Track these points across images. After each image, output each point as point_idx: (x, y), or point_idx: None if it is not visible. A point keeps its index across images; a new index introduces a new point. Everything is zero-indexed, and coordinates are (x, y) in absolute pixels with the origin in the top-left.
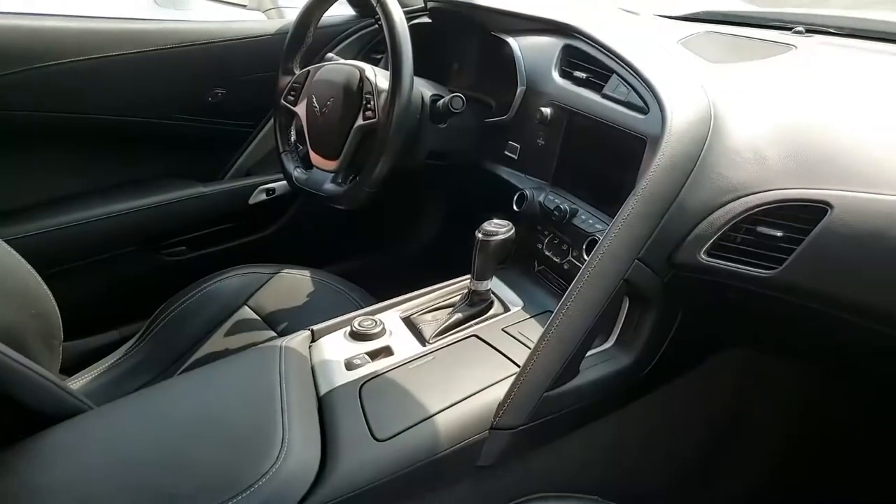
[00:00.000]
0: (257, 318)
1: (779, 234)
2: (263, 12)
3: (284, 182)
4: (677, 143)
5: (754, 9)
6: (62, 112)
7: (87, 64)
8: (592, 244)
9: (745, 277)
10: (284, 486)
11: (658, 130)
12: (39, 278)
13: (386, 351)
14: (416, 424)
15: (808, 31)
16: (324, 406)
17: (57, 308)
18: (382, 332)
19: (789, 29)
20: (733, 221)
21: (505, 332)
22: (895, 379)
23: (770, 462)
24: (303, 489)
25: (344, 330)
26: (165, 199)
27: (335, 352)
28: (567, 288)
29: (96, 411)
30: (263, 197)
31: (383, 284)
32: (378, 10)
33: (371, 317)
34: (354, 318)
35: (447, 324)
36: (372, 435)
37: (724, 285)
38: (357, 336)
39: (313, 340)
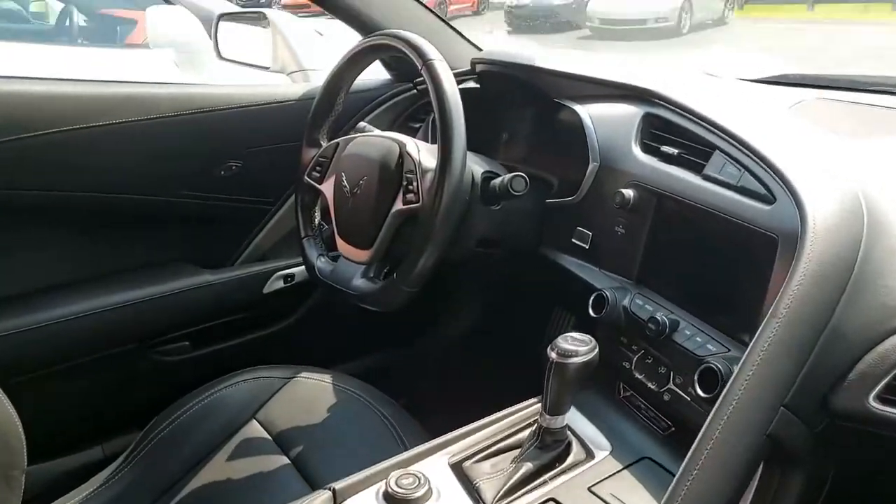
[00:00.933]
0: (268, 437)
1: None
2: (287, 75)
3: None
4: (825, 244)
5: (857, 72)
6: (47, 189)
7: (79, 134)
8: (709, 375)
9: None
10: None
11: (793, 226)
12: None
13: None
14: None
15: None
16: None
17: (20, 429)
18: (428, 495)
19: None
20: None
21: (593, 493)
22: None
23: None
24: None
25: (376, 488)
26: (166, 289)
27: None
28: (668, 425)
29: None
30: (281, 284)
31: (417, 387)
32: (424, 73)
33: (411, 471)
34: (389, 470)
35: (514, 480)
36: None
37: None
38: (395, 501)
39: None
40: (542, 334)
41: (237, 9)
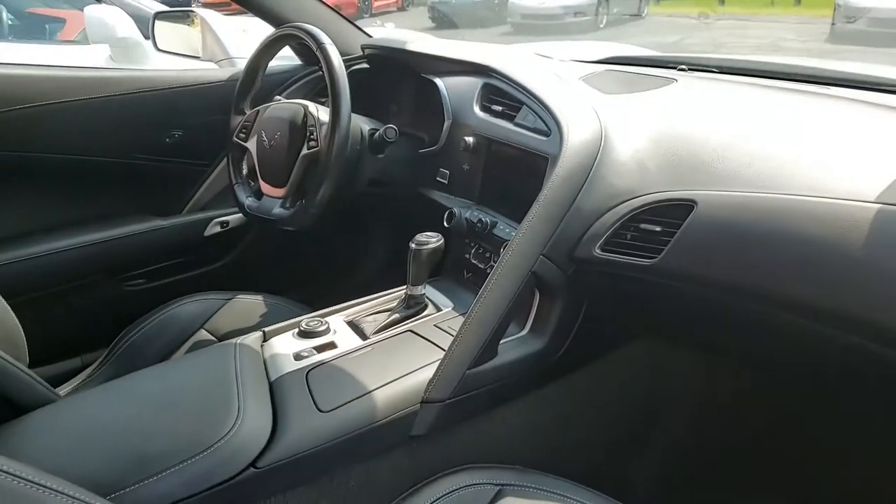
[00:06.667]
0: (214, 339)
1: (657, 229)
2: (216, 62)
3: (237, 215)
4: (572, 157)
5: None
6: (29, 152)
7: (52, 108)
8: None
9: (633, 267)
10: (240, 446)
11: (558, 149)
12: (7, 305)
13: (331, 345)
14: (355, 399)
15: (690, 69)
16: (274, 389)
17: (23, 333)
18: (328, 331)
19: (674, 67)
20: (621, 220)
21: (437, 327)
22: (799, 377)
23: (676, 452)
24: (256, 450)
25: (293, 330)
26: (127, 231)
27: (285, 347)
28: None
29: (67, 399)
30: (218, 229)
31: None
32: (318, 54)
33: (318, 318)
34: (302, 319)
35: (386, 322)
36: (317, 407)
37: (618, 275)
38: (305, 334)
39: (265, 340)
40: None
41: (170, 9)
